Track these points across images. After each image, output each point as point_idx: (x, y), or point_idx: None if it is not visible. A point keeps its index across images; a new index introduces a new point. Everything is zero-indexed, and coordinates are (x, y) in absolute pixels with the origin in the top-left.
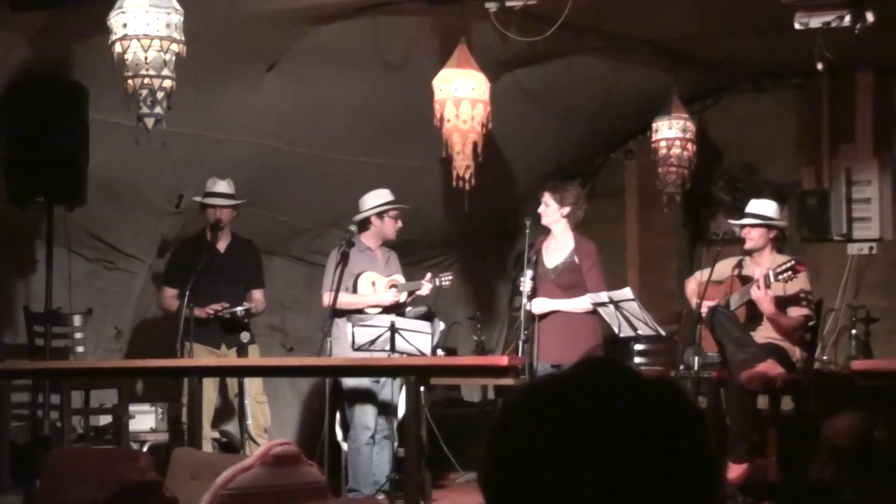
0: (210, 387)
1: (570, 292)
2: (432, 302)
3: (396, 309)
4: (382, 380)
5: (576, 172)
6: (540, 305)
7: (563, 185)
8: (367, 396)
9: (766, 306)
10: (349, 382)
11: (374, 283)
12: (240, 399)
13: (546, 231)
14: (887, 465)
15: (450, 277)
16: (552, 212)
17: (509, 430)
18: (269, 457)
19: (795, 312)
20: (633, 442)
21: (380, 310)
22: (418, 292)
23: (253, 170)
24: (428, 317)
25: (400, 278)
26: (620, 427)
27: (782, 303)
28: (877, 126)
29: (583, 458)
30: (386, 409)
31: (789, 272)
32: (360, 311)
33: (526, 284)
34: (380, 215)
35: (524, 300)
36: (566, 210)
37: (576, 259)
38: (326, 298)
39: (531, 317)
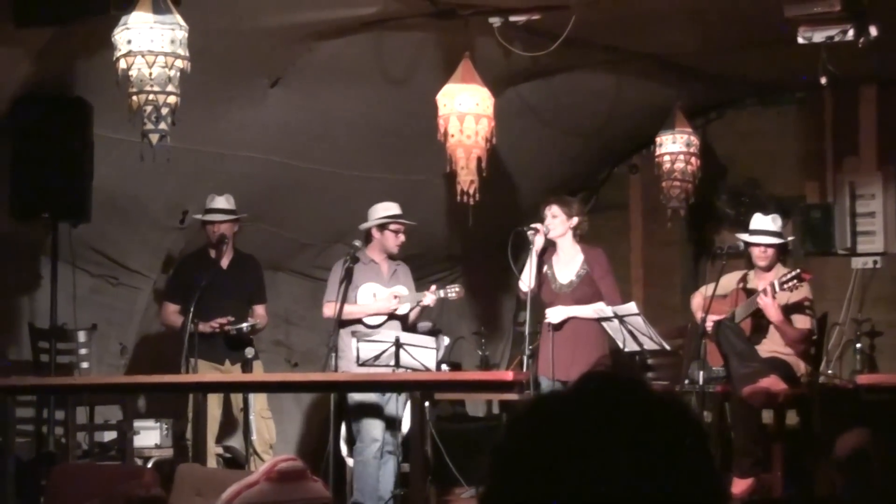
0: (214, 403)
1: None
2: (437, 317)
3: (404, 321)
4: (388, 394)
5: (580, 187)
6: (556, 314)
7: (567, 197)
8: (374, 410)
9: (774, 313)
10: (356, 396)
11: (374, 295)
12: (245, 415)
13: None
14: (879, 480)
15: (456, 289)
16: (560, 223)
17: (512, 449)
18: (274, 472)
19: (799, 322)
20: (635, 460)
21: (383, 319)
22: (423, 302)
23: (257, 185)
24: (433, 332)
25: (404, 290)
26: (622, 446)
27: (786, 311)
28: (881, 139)
29: (584, 477)
30: (391, 424)
31: (795, 280)
32: (360, 322)
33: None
34: (381, 228)
35: (522, 286)
36: (574, 221)
37: (588, 270)
38: (327, 310)
39: (546, 327)
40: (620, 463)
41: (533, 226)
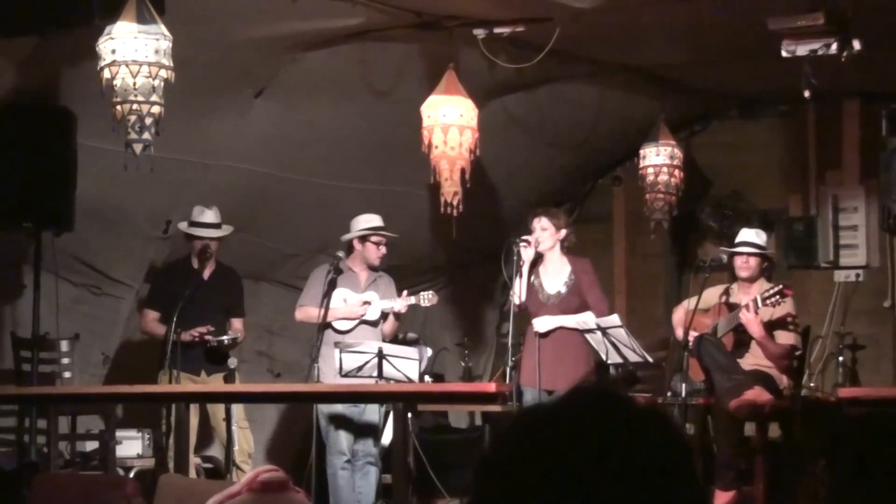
0: (192, 413)
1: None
2: (420, 327)
3: (374, 326)
4: (361, 405)
5: (563, 199)
6: (543, 323)
7: (556, 210)
8: (341, 421)
9: (756, 329)
10: (323, 408)
11: (345, 300)
12: (227, 425)
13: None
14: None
15: (429, 295)
16: (549, 236)
17: (497, 461)
18: (256, 483)
19: (783, 338)
20: (620, 474)
21: (353, 325)
22: (394, 308)
23: (241, 195)
24: (415, 343)
25: (374, 296)
26: (606, 459)
27: (770, 327)
28: (863, 153)
29: (568, 489)
30: (369, 434)
31: (777, 296)
32: (329, 326)
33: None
34: (362, 240)
35: (514, 299)
36: (562, 234)
37: (575, 280)
38: (299, 314)
39: (531, 337)
40: (605, 476)
41: (524, 238)
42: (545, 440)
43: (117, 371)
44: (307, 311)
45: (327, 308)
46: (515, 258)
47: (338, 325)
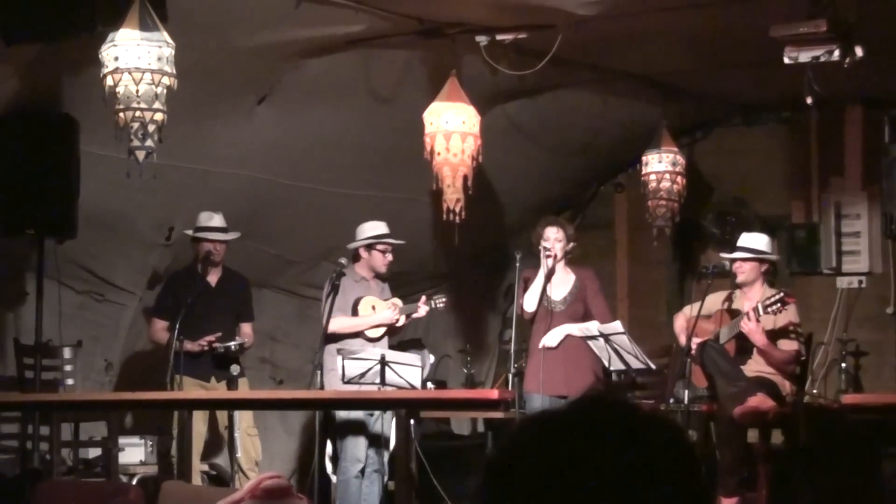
0: (199, 420)
1: (582, 322)
2: (423, 333)
3: (395, 333)
4: (375, 413)
5: (566, 205)
6: (554, 336)
7: (566, 222)
8: (359, 428)
9: (758, 338)
10: (341, 414)
11: (374, 307)
12: (230, 432)
13: (537, 263)
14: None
15: (443, 299)
16: (562, 248)
17: (504, 467)
18: (258, 490)
19: (785, 346)
20: (627, 480)
21: (382, 332)
22: (415, 315)
23: (243, 202)
24: (418, 349)
25: (399, 301)
26: (614, 466)
27: (772, 335)
28: (866, 159)
29: (576, 494)
30: (377, 443)
31: (778, 304)
32: (361, 335)
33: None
34: (368, 248)
35: (526, 306)
36: (570, 246)
37: (580, 288)
38: (333, 325)
39: (537, 345)
40: (611, 482)
41: (547, 247)
42: (552, 446)
43: (125, 378)
44: (340, 321)
45: (331, 312)
46: (519, 265)
47: (370, 332)
